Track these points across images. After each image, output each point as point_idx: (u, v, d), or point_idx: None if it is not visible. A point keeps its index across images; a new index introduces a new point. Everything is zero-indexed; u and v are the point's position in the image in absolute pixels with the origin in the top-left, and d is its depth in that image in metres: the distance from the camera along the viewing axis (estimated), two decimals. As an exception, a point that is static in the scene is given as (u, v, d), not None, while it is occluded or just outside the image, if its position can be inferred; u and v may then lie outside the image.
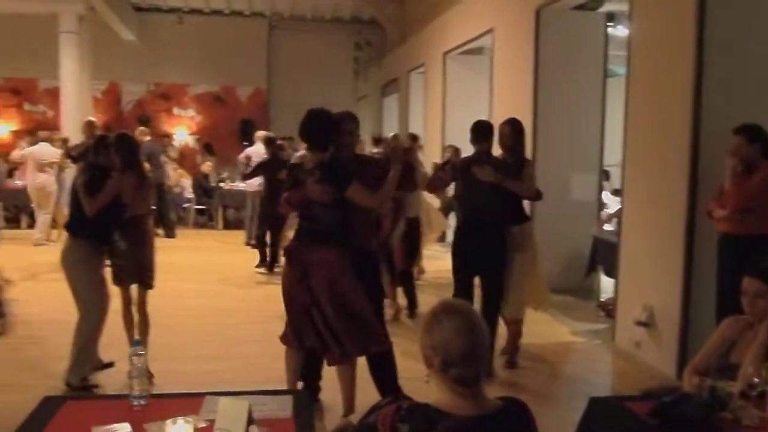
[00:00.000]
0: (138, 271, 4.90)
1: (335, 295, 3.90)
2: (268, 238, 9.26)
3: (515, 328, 5.45)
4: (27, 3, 13.94)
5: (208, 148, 15.45)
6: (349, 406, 4.10)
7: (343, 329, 3.91)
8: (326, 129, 3.97)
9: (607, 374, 5.72)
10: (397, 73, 15.35)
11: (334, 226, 3.92)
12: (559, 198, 7.86)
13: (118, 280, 4.92)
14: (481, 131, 5.22)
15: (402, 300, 6.87)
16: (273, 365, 4.33)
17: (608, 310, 6.67)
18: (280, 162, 8.39)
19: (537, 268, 5.42)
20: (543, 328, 6.64)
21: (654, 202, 5.53)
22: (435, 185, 5.92)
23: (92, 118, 10.44)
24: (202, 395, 2.60)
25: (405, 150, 6.65)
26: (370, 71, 18.84)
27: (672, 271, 5.19)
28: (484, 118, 5.64)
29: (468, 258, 5.18)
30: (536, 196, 5.33)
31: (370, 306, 4.03)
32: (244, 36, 17.05)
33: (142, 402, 2.53)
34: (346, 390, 4.09)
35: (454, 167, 5.53)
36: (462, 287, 5.16)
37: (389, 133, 15.42)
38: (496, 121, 5.50)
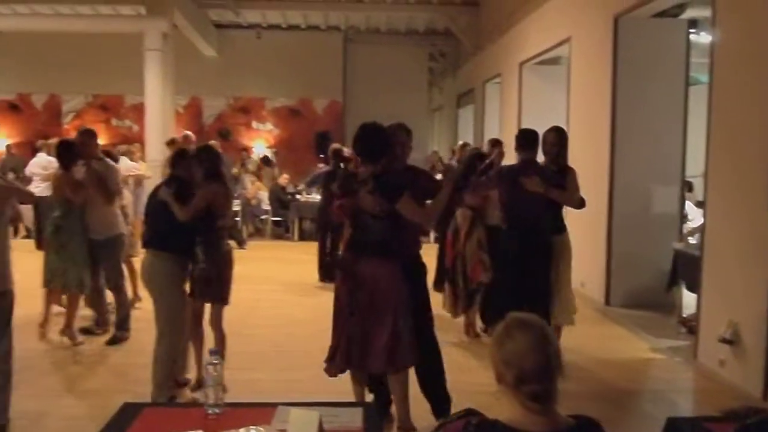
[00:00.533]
0: (215, 287, 4.83)
1: (377, 307, 3.89)
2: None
3: (558, 336, 5.39)
4: (115, 23, 14.57)
5: (265, 161, 15.67)
6: (402, 420, 4.08)
7: (375, 341, 3.89)
8: (378, 142, 3.97)
9: (687, 393, 5.51)
10: (472, 83, 15.30)
11: (384, 238, 3.91)
12: (640, 210, 7.67)
13: (194, 294, 4.87)
14: (527, 139, 5.24)
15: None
16: (345, 376, 4.35)
17: (690, 326, 6.43)
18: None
19: (570, 279, 5.48)
20: (621, 343, 6.47)
21: (738, 214, 5.32)
22: (477, 190, 5.85)
23: (188, 132, 10.69)
24: (274, 405, 2.63)
25: (480, 156, 6.48)
26: (444, 82, 18.86)
27: (759, 286, 4.97)
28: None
29: (516, 267, 5.20)
30: (580, 204, 5.29)
31: (411, 322, 3.97)
32: (321, 49, 17.32)
33: (217, 410, 2.58)
34: (397, 403, 4.09)
35: (500, 175, 5.49)
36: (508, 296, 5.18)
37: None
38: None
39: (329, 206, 8.74)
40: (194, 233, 4.75)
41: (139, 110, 15.94)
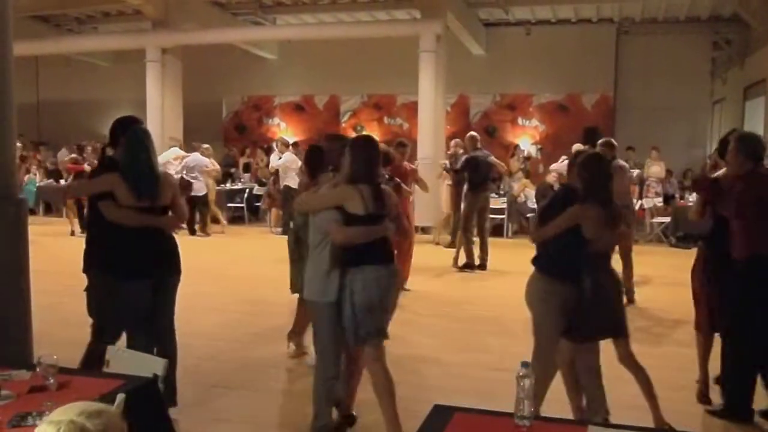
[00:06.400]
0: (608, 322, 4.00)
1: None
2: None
3: None
4: (391, 27, 15.30)
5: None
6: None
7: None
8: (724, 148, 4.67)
9: None
10: (764, 73, 13.86)
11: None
12: None
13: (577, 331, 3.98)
14: None
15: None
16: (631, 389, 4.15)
17: None
18: None
19: None
20: None
21: None
22: None
23: (474, 133, 10.46)
24: (584, 423, 2.55)
25: None
26: (729, 72, 17.31)
27: None
28: None
29: None
30: None
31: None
32: (591, 43, 16.71)
33: (527, 423, 2.56)
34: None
35: None
36: None
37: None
38: None
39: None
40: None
41: (409, 108, 16.63)
